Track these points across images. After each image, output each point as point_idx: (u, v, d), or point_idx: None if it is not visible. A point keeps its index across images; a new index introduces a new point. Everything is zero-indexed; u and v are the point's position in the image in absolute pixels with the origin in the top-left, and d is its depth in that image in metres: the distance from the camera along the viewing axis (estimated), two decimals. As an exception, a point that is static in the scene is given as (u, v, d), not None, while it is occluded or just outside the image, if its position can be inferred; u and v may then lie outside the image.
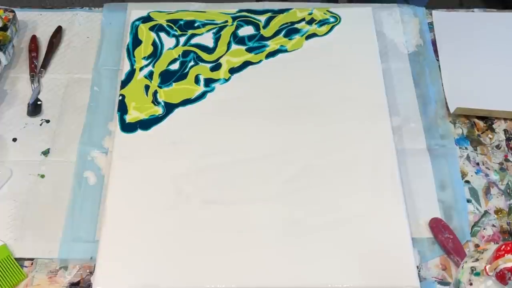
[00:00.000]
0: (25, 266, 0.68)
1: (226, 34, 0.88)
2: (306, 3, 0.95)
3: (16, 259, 0.68)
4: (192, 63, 0.85)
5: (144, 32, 0.88)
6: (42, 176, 0.76)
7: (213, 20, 0.90)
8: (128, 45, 0.87)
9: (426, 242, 0.70)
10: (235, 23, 0.89)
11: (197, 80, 0.83)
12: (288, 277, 0.66)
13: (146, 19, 0.90)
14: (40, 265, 0.68)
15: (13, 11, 0.88)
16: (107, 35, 0.90)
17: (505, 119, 0.81)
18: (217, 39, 0.88)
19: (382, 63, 0.85)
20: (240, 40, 0.87)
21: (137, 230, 0.69)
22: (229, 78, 0.83)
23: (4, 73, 0.86)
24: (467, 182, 0.75)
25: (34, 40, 0.89)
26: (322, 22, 0.89)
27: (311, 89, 0.82)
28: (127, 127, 0.78)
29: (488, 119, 0.81)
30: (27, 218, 0.72)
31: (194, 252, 0.67)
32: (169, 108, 0.80)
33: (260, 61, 0.85)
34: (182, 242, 0.68)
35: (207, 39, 0.88)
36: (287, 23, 0.89)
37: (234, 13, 0.91)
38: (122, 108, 0.80)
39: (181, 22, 0.90)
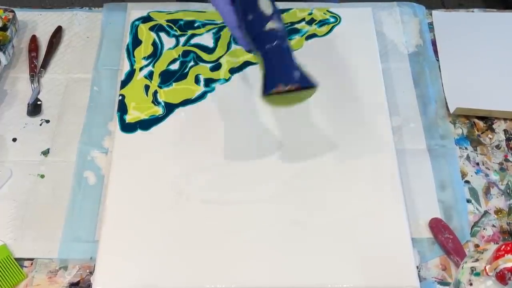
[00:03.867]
0: (25, 266, 0.68)
1: (226, 34, 0.88)
2: (306, 3, 0.95)
3: (16, 259, 0.68)
4: (192, 63, 0.85)
5: (144, 32, 0.88)
6: (42, 176, 0.76)
7: (213, 20, 0.90)
8: (128, 45, 0.86)
9: (426, 242, 0.70)
10: (235, 23, 0.89)
11: (197, 80, 0.83)
12: (288, 277, 0.66)
13: (146, 19, 0.90)
14: (40, 265, 0.68)
15: (13, 11, 0.88)
16: (107, 35, 0.90)
17: (505, 119, 0.81)
18: (217, 39, 0.87)
19: (382, 63, 0.85)
20: (240, 40, 0.87)
21: (137, 230, 0.69)
22: (229, 78, 0.83)
23: (4, 73, 0.86)
24: (467, 182, 0.75)
25: (34, 40, 0.89)
26: (322, 23, 0.89)
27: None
28: (127, 127, 0.78)
29: (488, 119, 0.81)
30: (27, 218, 0.72)
31: (194, 252, 0.67)
32: (169, 108, 0.80)
33: (260, 61, 0.85)
34: (182, 242, 0.68)
35: (207, 39, 0.87)
36: (287, 23, 0.89)
37: (234, 13, 0.91)
38: (122, 108, 0.80)
39: (181, 22, 0.90)
